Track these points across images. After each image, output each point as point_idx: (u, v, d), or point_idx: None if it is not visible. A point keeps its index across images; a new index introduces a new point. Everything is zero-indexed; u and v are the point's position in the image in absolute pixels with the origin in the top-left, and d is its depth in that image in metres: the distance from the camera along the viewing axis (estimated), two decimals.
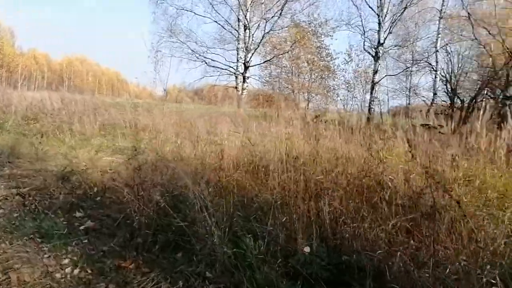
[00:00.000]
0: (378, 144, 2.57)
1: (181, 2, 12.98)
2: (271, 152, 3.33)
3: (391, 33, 16.13)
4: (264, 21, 12.15)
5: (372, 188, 2.25)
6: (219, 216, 2.16)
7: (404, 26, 17.29)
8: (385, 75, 16.97)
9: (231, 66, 12.30)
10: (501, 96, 14.15)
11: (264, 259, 1.95)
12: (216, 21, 12.20)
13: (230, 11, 11.97)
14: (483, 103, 16.31)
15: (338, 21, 16.04)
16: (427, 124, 2.02)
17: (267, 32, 12.04)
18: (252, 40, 11.99)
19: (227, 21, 12.19)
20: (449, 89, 16.97)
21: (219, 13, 12.34)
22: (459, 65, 17.60)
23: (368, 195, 2.23)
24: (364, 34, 16.46)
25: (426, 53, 17.84)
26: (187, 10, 12.55)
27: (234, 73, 12.20)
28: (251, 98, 16.53)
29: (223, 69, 12.24)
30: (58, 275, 2.04)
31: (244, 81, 12.25)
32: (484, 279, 1.22)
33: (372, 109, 16.88)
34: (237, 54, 12.17)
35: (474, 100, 15.96)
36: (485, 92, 15.66)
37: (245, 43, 11.93)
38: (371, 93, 16.71)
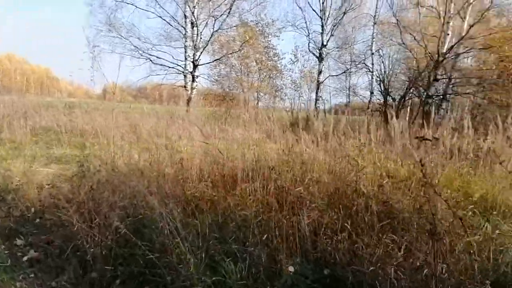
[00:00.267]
0: (353, 151, 2.58)
1: None
2: (239, 159, 3.16)
3: (332, 35, 17.05)
4: (213, 19, 11.79)
5: (350, 196, 2.23)
6: (193, 240, 1.92)
7: (343, 30, 18.45)
8: (328, 75, 17.90)
9: (179, 64, 11.69)
10: (424, 95, 15.94)
11: (247, 285, 1.79)
12: (160, 17, 11.47)
13: (176, 6, 11.39)
14: (410, 101, 18.25)
15: (284, 22, 16.42)
16: (422, 137, 2.07)
17: (216, 31, 11.71)
18: (201, 38, 11.54)
19: (173, 17, 11.58)
20: (383, 89, 18.63)
21: (163, 8, 11.64)
22: (390, 67, 19.43)
23: (345, 203, 2.21)
24: (308, 35, 17.15)
25: (363, 56, 19.33)
26: (128, 3, 11.54)
27: (183, 72, 11.60)
28: (201, 97, 16.01)
29: (170, 67, 11.57)
30: None
31: (193, 80, 11.74)
32: None
33: (318, 107, 17.75)
34: (185, 52, 11.58)
35: (403, 99, 17.79)
36: (412, 92, 17.56)
37: (193, 41, 11.41)
38: (317, 92, 17.52)
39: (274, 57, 17.96)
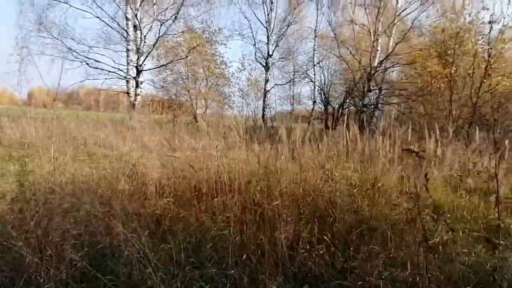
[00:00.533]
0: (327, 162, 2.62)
1: None
2: (209, 172, 2.98)
3: (278, 46, 17.70)
4: (159, 23, 11.24)
5: (324, 207, 2.25)
6: (166, 268, 1.72)
7: (287, 41, 19.32)
8: (275, 85, 18.46)
9: (121, 69, 10.85)
10: (360, 105, 17.46)
11: None
12: (98, 17, 10.52)
13: (116, 7, 10.56)
14: (347, 110, 19.81)
15: (231, 30, 16.54)
16: (409, 149, 2.18)
17: (162, 36, 11.18)
18: (145, 42, 10.89)
19: (113, 18, 10.71)
20: (323, 98, 19.92)
21: (102, 8, 10.71)
22: (329, 78, 20.91)
23: (321, 214, 2.22)
24: (255, 45, 17.54)
25: (306, 66, 20.45)
26: (61, 1, 10.34)
27: (125, 77, 10.79)
28: (146, 104, 15.12)
29: (110, 71, 10.65)
30: None
31: (137, 86, 10.99)
32: None
33: (266, 115, 18.16)
34: (127, 56, 10.79)
35: (341, 108, 19.25)
36: (349, 101, 19.13)
37: (136, 45, 10.71)
38: (264, 100, 17.92)
39: (221, 65, 17.95)
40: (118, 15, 11.00)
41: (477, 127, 6.31)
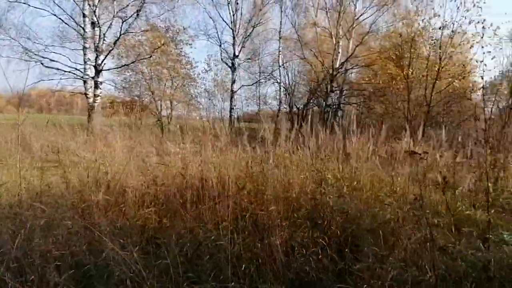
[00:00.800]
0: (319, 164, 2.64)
1: None
2: (188, 178, 2.86)
3: (244, 47, 17.68)
4: (120, 20, 10.61)
5: (317, 210, 2.27)
6: (164, 286, 1.60)
7: (253, 42, 19.39)
8: (242, 85, 18.43)
9: (78, 68, 10.06)
10: (323, 105, 18.08)
11: None
12: (55, 14, 9.66)
13: (73, 4, 9.74)
14: (310, 110, 20.41)
15: (196, 30, 16.22)
16: (412, 151, 2.23)
17: (123, 34, 10.57)
18: (104, 40, 10.21)
19: (70, 16, 9.88)
20: (289, 99, 20.32)
21: (59, 6, 9.85)
22: (293, 79, 21.37)
23: (313, 217, 2.23)
24: (221, 45, 17.36)
25: (271, 67, 20.69)
26: (21, 2, 9.41)
27: (82, 77, 10.02)
28: (107, 105, 14.24)
29: (66, 71, 9.84)
30: None
31: (96, 87, 10.28)
32: None
33: (233, 116, 18.05)
34: (84, 55, 10.04)
35: (305, 108, 19.79)
36: (312, 101, 19.74)
37: (94, 43, 10.01)
38: (231, 101, 17.80)
39: (186, 65, 17.52)
40: (75, 11, 10.24)
41: (430, 126, 6.81)
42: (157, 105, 17.01)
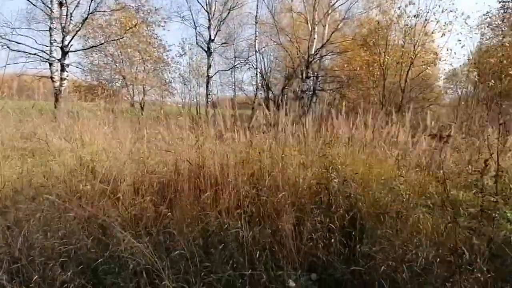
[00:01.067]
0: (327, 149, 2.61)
1: None
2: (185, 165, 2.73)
3: (219, 30, 17.16)
4: None
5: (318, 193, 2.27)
6: (183, 278, 1.52)
7: (228, 26, 18.88)
8: (218, 71, 18.02)
9: (44, 50, 9.18)
10: (299, 91, 18.22)
11: None
12: None
13: None
14: (286, 96, 20.52)
15: (169, 11, 15.48)
16: (435, 134, 2.22)
17: (91, 13, 9.74)
18: (71, 20, 9.36)
19: None
20: (265, 84, 20.23)
21: None
22: (269, 65, 21.24)
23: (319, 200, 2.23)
24: (196, 28, 16.72)
25: (247, 53, 20.37)
26: None
27: (48, 60, 9.20)
28: (71, 90, 13.29)
29: (32, 54, 8.95)
30: None
31: (63, 70, 9.50)
32: None
33: (210, 102, 17.65)
34: (50, 35, 9.18)
35: (281, 94, 19.85)
36: (288, 87, 19.83)
37: (61, 24, 9.15)
38: (207, 87, 17.35)
39: (159, 48, 16.75)
40: None
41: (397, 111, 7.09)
42: (129, 90, 16.23)
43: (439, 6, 8.62)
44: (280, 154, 2.49)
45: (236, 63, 20.55)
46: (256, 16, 19.05)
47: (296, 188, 2.25)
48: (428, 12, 8.85)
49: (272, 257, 1.86)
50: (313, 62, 17.64)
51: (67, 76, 9.76)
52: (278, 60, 22.59)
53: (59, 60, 9.37)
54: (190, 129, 3.61)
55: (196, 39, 17.01)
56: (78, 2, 9.35)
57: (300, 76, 17.67)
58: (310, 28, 17.21)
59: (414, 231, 1.90)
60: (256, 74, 20.07)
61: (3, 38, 8.67)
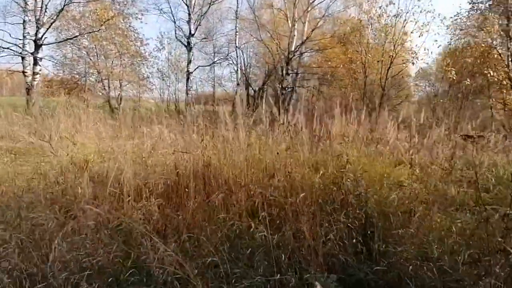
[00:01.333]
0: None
1: None
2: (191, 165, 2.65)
3: (200, 25, 16.79)
4: None
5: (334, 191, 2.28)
6: (213, 285, 1.46)
7: (208, 21, 18.54)
8: (198, 66, 17.68)
9: (17, 44, 8.53)
10: (279, 87, 18.32)
11: None
12: None
13: None
14: (265, 93, 20.58)
15: (146, 3, 14.91)
16: (466, 135, 2.25)
17: (67, 4, 9.15)
18: (45, 11, 8.74)
19: None
20: (245, 81, 20.15)
21: None
22: (248, 61, 21.16)
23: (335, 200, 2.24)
24: (175, 22, 16.25)
25: (226, 48, 20.14)
26: None
27: (21, 53, 8.55)
28: (43, 85, 12.50)
29: (5, 48, 8.26)
30: None
31: (35, 64, 8.87)
32: None
33: (190, 97, 17.28)
34: (24, 28, 8.53)
35: (261, 90, 19.88)
36: (268, 84, 19.89)
37: (35, 16, 8.53)
38: (187, 82, 16.97)
39: (136, 42, 16.13)
40: None
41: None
42: (104, 85, 15.53)
43: (418, 7, 8.99)
44: (285, 153, 2.49)
45: (216, 59, 20.28)
46: (237, 11, 18.85)
47: (312, 189, 2.24)
48: (407, 12, 9.20)
49: (294, 259, 1.85)
50: (293, 59, 17.75)
51: (40, 70, 9.15)
52: (257, 56, 22.52)
53: (32, 53, 8.76)
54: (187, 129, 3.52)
55: (176, 33, 16.57)
56: None
57: (280, 73, 17.74)
58: (290, 25, 17.27)
59: (437, 229, 1.96)
60: (237, 70, 19.92)
61: None
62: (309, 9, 17.91)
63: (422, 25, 9.22)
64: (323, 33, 18.00)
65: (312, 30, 16.82)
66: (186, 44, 16.39)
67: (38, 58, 8.90)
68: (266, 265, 1.72)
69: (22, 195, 2.12)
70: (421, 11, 9.17)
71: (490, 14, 10.45)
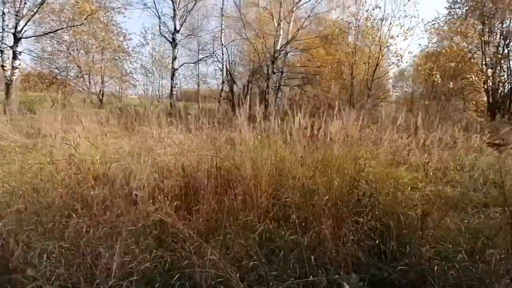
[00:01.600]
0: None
1: None
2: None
3: (185, 21, 16.50)
4: None
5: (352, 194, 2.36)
6: None
7: (193, 17, 18.25)
8: (183, 63, 17.39)
9: None
10: (264, 86, 18.39)
11: None
12: None
13: None
14: (250, 91, 20.61)
15: None
16: (492, 142, 2.34)
17: None
18: (25, 3, 8.27)
19: None
20: (230, 79, 20.07)
21: None
22: (233, 59, 21.08)
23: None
24: (159, 18, 15.85)
25: (211, 45, 19.94)
26: None
27: None
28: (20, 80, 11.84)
29: None
30: None
31: (15, 58, 8.40)
32: None
33: (174, 95, 16.98)
34: (3, 20, 8.01)
35: (246, 88, 19.88)
36: (253, 82, 19.92)
37: (15, 8, 8.05)
38: (172, 79, 16.65)
39: (119, 37, 15.64)
40: None
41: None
42: (85, 81, 14.95)
43: (404, 11, 9.33)
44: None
45: (201, 56, 20.03)
46: (222, 8, 18.67)
47: (330, 191, 2.31)
48: (393, 16, 9.53)
49: (319, 260, 1.91)
50: (278, 58, 17.84)
51: (19, 64, 8.68)
52: (241, 54, 22.46)
53: (11, 47, 8.28)
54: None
55: (160, 29, 16.18)
56: None
57: (266, 72, 17.79)
58: (276, 24, 17.35)
59: (454, 229, 2.08)
60: (223, 68, 19.78)
61: None
62: (294, 9, 18.05)
63: (407, 29, 9.62)
64: (308, 33, 18.21)
65: (298, 30, 16.98)
66: (171, 40, 16.06)
67: (17, 52, 8.43)
68: (299, 267, 1.77)
69: (39, 199, 2.04)
70: (405, 16, 9.55)
71: (466, 19, 11.03)
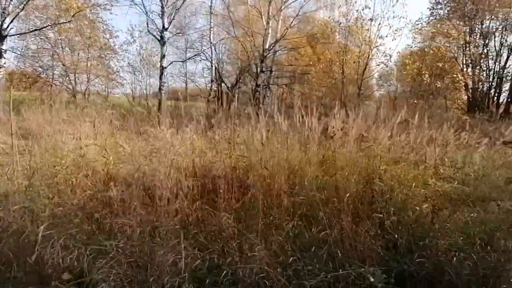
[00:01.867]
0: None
1: None
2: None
3: (174, 19, 16.27)
4: None
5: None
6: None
7: (181, 15, 18.04)
8: (172, 61, 17.18)
9: None
10: (253, 85, 18.45)
11: None
12: None
13: None
14: (238, 90, 20.61)
15: None
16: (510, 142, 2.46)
17: None
18: (11, 1, 7.93)
19: None
20: (218, 77, 19.99)
21: None
22: (221, 57, 20.99)
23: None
24: (147, 15, 15.56)
25: (200, 43, 19.79)
26: None
27: None
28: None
29: None
30: None
31: (0, 56, 8.07)
32: None
33: (163, 93, 16.73)
34: None
35: (235, 87, 19.86)
36: (241, 81, 19.93)
37: (1, 5, 7.72)
38: (160, 78, 16.42)
39: (105, 34, 15.26)
40: None
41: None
42: (70, 79, 14.53)
43: (393, 12, 9.62)
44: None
45: (188, 54, 19.84)
46: (211, 6, 18.53)
47: (347, 189, 2.41)
48: (382, 17, 9.81)
49: (345, 255, 2.01)
50: (267, 56, 17.90)
51: (5, 63, 8.36)
52: (229, 52, 22.38)
53: None
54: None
55: (148, 26, 15.88)
56: None
57: (255, 70, 17.82)
58: (265, 23, 17.41)
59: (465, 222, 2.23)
60: (212, 66, 19.64)
61: None
62: (282, 7, 18.15)
63: (396, 30, 9.92)
64: (296, 32, 18.38)
65: (286, 29, 17.11)
66: (159, 38, 15.82)
67: (2, 50, 8.12)
68: (329, 261, 1.86)
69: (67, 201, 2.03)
70: (394, 17, 9.85)
71: (450, 20, 11.47)
